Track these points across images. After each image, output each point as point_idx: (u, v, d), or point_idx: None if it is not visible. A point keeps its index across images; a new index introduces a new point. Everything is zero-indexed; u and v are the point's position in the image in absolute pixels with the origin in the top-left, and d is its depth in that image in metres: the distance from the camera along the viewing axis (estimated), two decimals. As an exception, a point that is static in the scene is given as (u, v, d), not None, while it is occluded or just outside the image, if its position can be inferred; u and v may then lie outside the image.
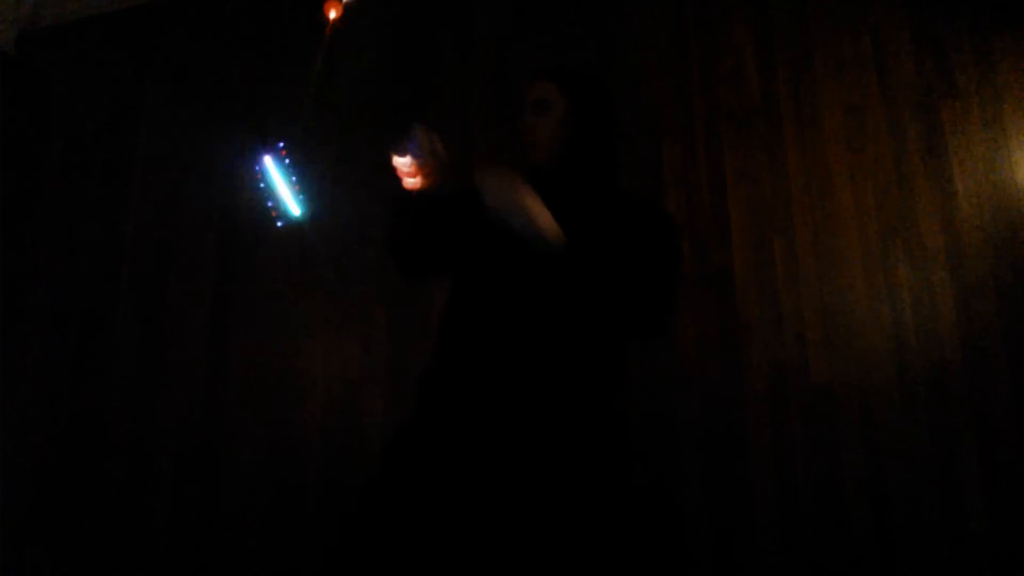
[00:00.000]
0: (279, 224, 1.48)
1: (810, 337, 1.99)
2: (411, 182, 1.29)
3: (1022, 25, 2.04)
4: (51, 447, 2.36)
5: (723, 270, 2.08)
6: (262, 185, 1.47)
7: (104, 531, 2.26)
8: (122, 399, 2.35)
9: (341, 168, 2.42)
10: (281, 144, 1.48)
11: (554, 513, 1.18)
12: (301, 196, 1.49)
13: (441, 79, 2.42)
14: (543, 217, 1.22)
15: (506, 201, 1.22)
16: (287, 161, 1.47)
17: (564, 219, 1.25)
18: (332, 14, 1.42)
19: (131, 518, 2.26)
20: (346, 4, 1.49)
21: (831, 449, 1.90)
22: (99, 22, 2.78)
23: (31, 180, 2.65)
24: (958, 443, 1.84)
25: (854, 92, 2.12)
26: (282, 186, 1.47)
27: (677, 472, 1.97)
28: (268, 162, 1.45)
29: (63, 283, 2.52)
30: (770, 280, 2.05)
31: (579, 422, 1.26)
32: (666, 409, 2.01)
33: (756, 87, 2.19)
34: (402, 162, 1.28)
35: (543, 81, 1.46)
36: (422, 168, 1.28)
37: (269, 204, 1.47)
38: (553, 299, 1.26)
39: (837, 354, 1.96)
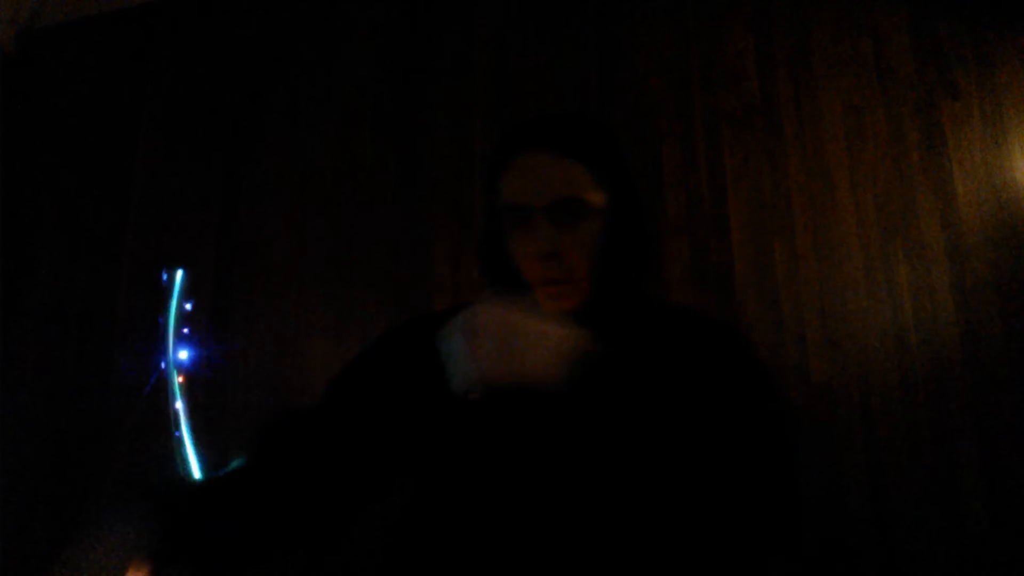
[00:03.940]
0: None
1: (810, 337, 1.99)
2: None
3: (1022, 25, 2.04)
4: (51, 447, 2.36)
5: (723, 270, 2.08)
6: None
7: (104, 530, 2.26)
8: (122, 399, 2.35)
9: (340, 168, 2.42)
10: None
11: None
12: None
13: (441, 79, 2.42)
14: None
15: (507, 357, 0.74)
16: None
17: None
18: None
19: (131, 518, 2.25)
20: None
21: (831, 449, 1.90)
22: (99, 22, 2.78)
23: (31, 179, 2.65)
24: (958, 443, 1.84)
25: (854, 92, 2.12)
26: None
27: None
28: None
29: (63, 283, 2.52)
30: (770, 280, 2.05)
31: None
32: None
33: (756, 87, 2.19)
34: None
35: (561, 158, 0.84)
36: None
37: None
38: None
39: (837, 354, 1.96)
